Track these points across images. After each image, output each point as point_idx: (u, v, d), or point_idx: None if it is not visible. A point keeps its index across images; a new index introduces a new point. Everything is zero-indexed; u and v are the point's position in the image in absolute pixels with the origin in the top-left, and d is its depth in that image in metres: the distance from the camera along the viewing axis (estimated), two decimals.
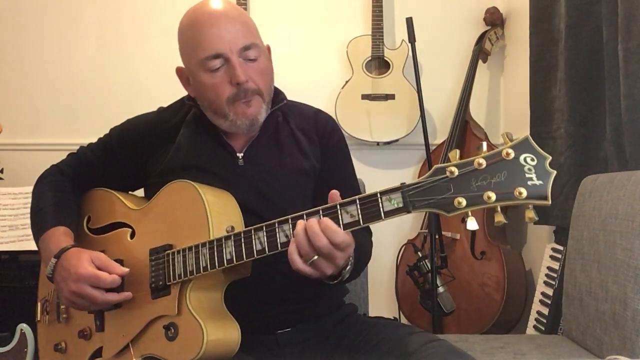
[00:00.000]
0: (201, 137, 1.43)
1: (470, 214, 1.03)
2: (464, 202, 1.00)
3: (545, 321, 2.32)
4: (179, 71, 1.45)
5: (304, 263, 1.11)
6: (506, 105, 3.19)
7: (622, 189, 1.62)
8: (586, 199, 1.80)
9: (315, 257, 1.10)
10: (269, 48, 1.44)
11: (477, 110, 3.11)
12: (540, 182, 0.98)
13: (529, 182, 0.98)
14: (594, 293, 1.69)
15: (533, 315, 2.42)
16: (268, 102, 1.40)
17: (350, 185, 1.49)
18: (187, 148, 1.42)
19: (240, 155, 1.42)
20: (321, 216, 1.11)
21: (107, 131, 1.56)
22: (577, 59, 2.20)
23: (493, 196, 0.99)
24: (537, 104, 2.50)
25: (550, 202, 0.98)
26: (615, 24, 1.90)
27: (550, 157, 1.00)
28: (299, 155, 1.44)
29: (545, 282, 2.38)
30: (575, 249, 1.83)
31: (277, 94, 1.46)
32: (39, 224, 1.43)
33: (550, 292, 2.32)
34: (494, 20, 3.07)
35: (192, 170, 1.37)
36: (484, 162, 1.00)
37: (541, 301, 2.38)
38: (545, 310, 2.33)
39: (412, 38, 2.53)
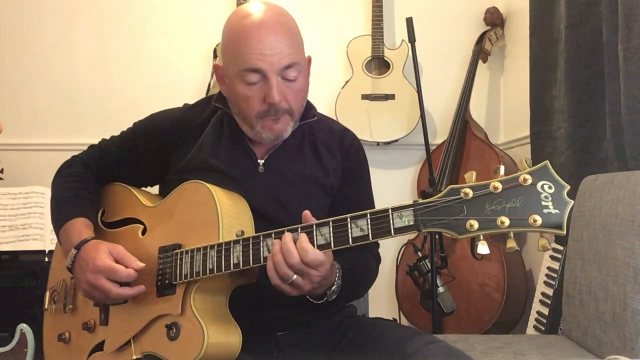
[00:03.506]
0: (225, 139, 1.43)
1: (482, 238, 1.01)
2: (476, 225, 0.99)
3: (545, 321, 2.32)
4: (215, 67, 1.45)
5: (282, 281, 1.16)
6: (506, 105, 3.19)
7: (622, 189, 1.62)
8: (586, 199, 1.80)
9: (294, 276, 1.14)
10: (309, 59, 1.44)
11: (477, 110, 3.11)
12: (557, 211, 0.96)
13: (545, 210, 0.96)
14: (594, 293, 1.69)
15: (533, 315, 2.42)
16: (297, 120, 1.40)
17: (365, 208, 1.49)
18: (210, 149, 1.41)
19: (261, 162, 1.42)
20: (306, 231, 1.14)
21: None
22: (577, 59, 2.20)
23: (507, 221, 0.97)
24: (537, 104, 2.50)
25: (565, 232, 0.96)
26: (615, 24, 1.90)
27: (569, 187, 0.97)
28: (319, 170, 1.45)
29: (545, 282, 2.38)
30: (575, 249, 1.83)
31: (309, 109, 1.47)
32: (60, 214, 1.43)
33: (550, 292, 2.32)
34: (494, 20, 3.07)
35: (211, 172, 1.37)
36: (499, 186, 0.99)
37: (541, 301, 2.38)
38: (545, 310, 2.33)
39: (412, 38, 2.52)
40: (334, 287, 1.27)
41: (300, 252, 1.12)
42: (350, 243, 1.10)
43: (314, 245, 1.13)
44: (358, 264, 1.39)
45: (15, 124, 3.08)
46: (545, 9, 2.45)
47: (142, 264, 1.29)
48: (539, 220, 0.96)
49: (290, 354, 1.38)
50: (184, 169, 1.40)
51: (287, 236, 1.15)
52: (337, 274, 1.27)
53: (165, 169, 1.46)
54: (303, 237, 1.13)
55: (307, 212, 1.19)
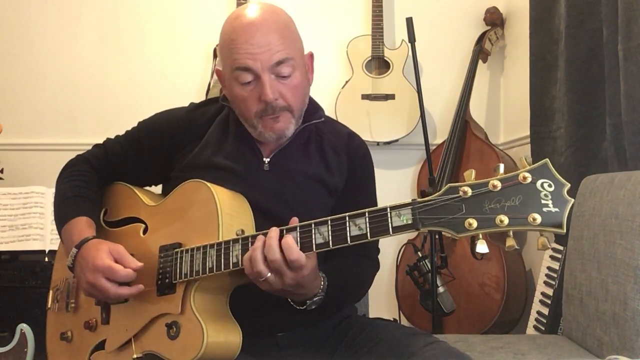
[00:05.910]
0: (230, 138, 1.43)
1: (481, 237, 1.00)
2: (474, 224, 0.98)
3: (545, 321, 2.32)
4: (217, 72, 1.46)
5: (255, 278, 1.16)
6: (506, 105, 3.19)
7: (622, 189, 1.62)
8: (586, 199, 1.80)
9: (269, 274, 1.14)
10: (311, 55, 1.44)
11: (477, 110, 3.12)
12: (557, 209, 0.94)
13: (544, 209, 0.95)
14: (594, 293, 1.69)
15: (533, 315, 2.42)
16: (299, 117, 1.39)
17: None
18: (215, 146, 1.42)
19: (266, 160, 1.42)
20: (297, 231, 1.14)
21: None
22: (577, 59, 2.20)
23: (506, 220, 0.96)
24: (537, 104, 2.50)
25: (565, 231, 0.94)
26: (615, 24, 1.90)
27: (569, 185, 0.96)
28: (324, 170, 1.44)
29: (545, 282, 2.38)
30: (575, 249, 1.83)
31: (316, 110, 1.47)
32: (63, 213, 1.43)
33: (550, 292, 2.32)
34: (494, 20, 3.07)
35: (216, 169, 1.37)
36: (499, 185, 0.98)
37: (541, 301, 2.38)
38: (545, 310, 2.33)
39: (412, 38, 2.52)
40: (315, 299, 1.27)
41: (285, 250, 1.13)
42: (349, 242, 1.09)
43: (312, 244, 1.13)
44: (349, 274, 1.38)
45: (15, 124, 3.08)
46: (545, 9, 2.45)
47: (140, 264, 1.29)
48: (539, 218, 0.94)
49: (290, 354, 1.38)
50: (188, 166, 1.40)
51: (274, 231, 1.15)
52: (322, 286, 1.27)
53: (169, 167, 1.46)
54: (290, 237, 1.14)
55: (294, 219, 1.19)
